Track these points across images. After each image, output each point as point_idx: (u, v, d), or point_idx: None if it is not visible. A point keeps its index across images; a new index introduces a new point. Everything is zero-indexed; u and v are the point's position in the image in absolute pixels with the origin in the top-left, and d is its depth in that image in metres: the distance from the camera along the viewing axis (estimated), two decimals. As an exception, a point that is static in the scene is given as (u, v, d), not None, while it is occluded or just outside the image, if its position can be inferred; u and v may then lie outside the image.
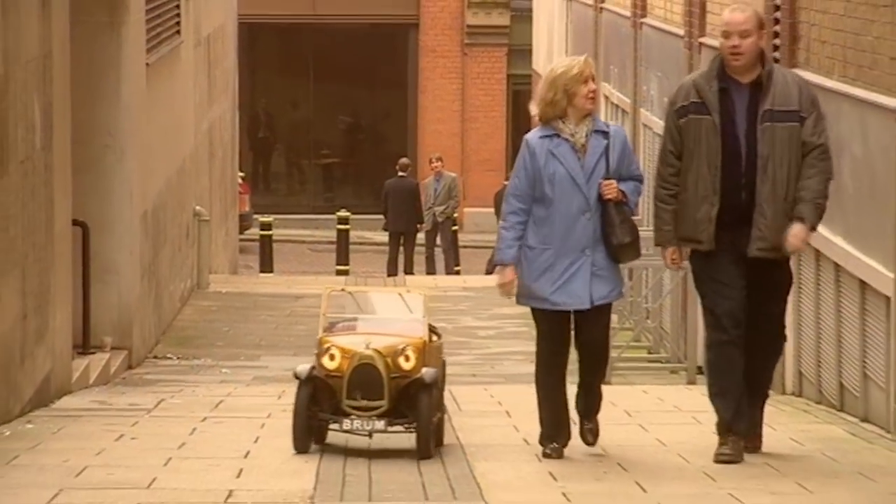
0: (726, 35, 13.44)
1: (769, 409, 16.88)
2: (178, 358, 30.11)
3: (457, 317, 39.87)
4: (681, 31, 34.07)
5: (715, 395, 14.03)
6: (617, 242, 13.67)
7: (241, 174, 57.54)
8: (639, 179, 14.21)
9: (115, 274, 26.92)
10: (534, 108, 14.14)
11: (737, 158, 13.31)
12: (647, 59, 40.50)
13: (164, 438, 18.49)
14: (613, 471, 14.94)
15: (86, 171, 24.82)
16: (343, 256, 59.95)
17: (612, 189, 13.49)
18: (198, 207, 36.04)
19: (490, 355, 33.90)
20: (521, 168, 14.05)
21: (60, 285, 21.99)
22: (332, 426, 11.98)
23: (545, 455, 14.66)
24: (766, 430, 16.07)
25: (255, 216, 61.52)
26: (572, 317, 14.08)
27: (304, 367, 12.14)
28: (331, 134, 70.92)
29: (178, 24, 33.86)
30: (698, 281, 13.82)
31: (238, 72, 48.29)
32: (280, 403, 19.21)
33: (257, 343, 24.99)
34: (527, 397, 16.63)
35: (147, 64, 28.87)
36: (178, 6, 34.04)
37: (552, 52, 56.10)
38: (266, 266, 58.44)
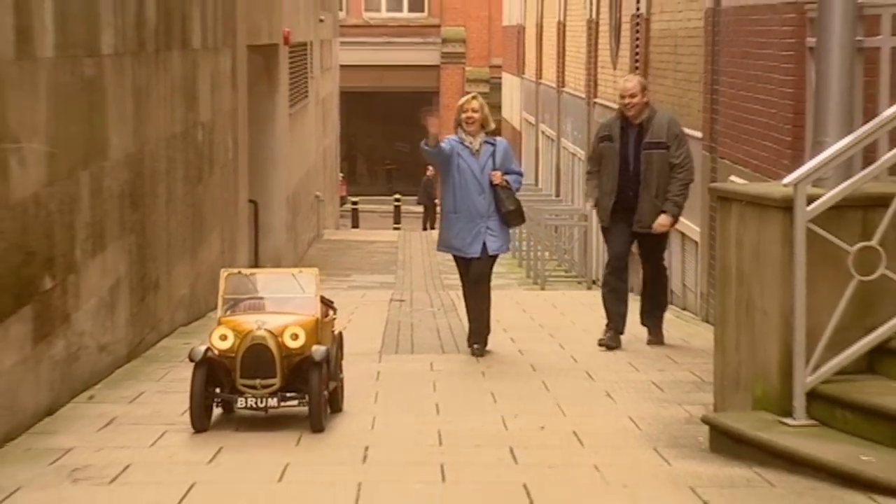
0: (622, 96, 15.15)
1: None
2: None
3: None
4: (583, 95, 37.29)
5: (605, 300, 15.71)
6: (504, 210, 14.86)
7: (340, 174, 64.60)
8: (518, 173, 15.70)
9: (271, 230, 29.76)
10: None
11: (628, 170, 14.86)
12: (564, 110, 45.67)
13: None
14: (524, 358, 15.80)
15: (256, 173, 26.78)
16: (396, 220, 67.74)
17: (496, 177, 14.73)
18: (317, 193, 37.65)
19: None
20: (447, 158, 15.18)
21: (241, 235, 24.82)
22: (222, 400, 10.33)
23: (472, 353, 15.76)
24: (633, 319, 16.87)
25: (349, 198, 67.32)
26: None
27: (199, 349, 10.30)
28: (389, 153, 76.58)
29: (307, 91, 38.35)
30: (605, 237, 15.78)
31: (339, 118, 52.76)
32: (362, 301, 19.51)
33: (350, 267, 24.21)
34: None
35: (290, 114, 32.74)
36: (307, 82, 38.61)
37: (512, 106, 64.08)
38: (354, 225, 64.12)
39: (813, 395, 9.99)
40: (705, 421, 10.80)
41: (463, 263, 15.12)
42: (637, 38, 25.53)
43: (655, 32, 24.56)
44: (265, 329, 9.73)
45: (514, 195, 15.06)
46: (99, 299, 13.39)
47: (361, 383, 13.66)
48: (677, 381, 13.72)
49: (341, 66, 48.12)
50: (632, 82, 15.28)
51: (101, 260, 13.51)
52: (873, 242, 9.88)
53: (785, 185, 10.20)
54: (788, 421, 10.02)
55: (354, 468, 9.95)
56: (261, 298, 10.51)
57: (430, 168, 52.44)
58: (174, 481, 9.41)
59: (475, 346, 15.49)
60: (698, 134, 20.19)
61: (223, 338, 9.58)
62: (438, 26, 61.31)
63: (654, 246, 15.50)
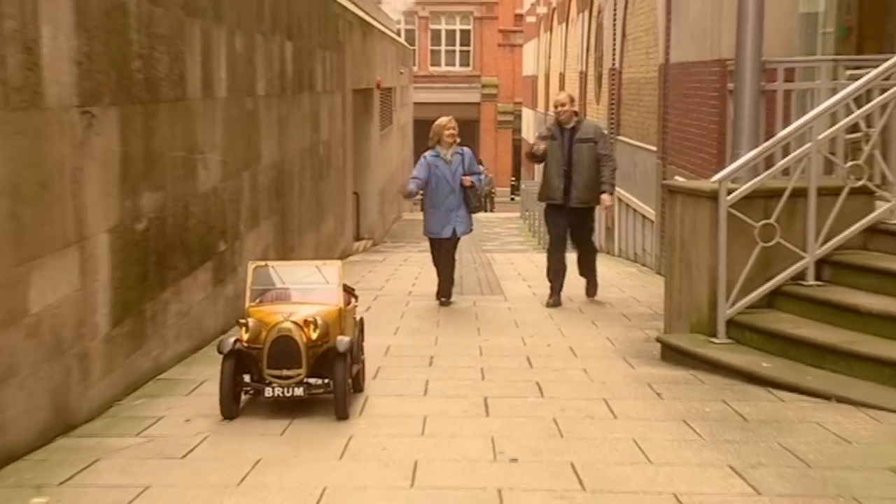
0: (555, 106, 13.83)
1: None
2: (391, 243, 28.47)
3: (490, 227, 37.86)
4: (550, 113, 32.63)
5: (548, 272, 14.37)
6: (471, 207, 13.93)
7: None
8: (478, 174, 14.40)
9: (368, 212, 28.01)
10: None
11: (565, 161, 13.47)
12: (544, 122, 40.79)
13: (388, 267, 20.30)
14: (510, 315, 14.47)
15: (358, 174, 25.49)
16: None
17: (466, 180, 13.64)
18: (398, 188, 34.23)
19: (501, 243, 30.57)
20: (423, 167, 13.91)
21: (348, 216, 23.63)
22: (252, 390, 8.16)
23: (440, 304, 14.50)
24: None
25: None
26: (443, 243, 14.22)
27: (227, 341, 8.23)
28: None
29: (391, 120, 35.31)
30: (546, 219, 14.48)
31: (412, 138, 48.88)
32: (426, 267, 16.70)
33: (420, 237, 18.29)
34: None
35: (380, 135, 30.16)
36: (391, 114, 35.50)
37: (529, 130, 56.38)
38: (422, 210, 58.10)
39: (730, 323, 10.14)
40: (658, 340, 10.93)
41: (437, 242, 14.15)
42: (613, 84, 25.04)
43: (625, 80, 23.99)
44: (291, 321, 7.86)
45: (478, 192, 14.11)
46: (256, 257, 12.86)
47: (428, 314, 13.71)
48: (639, 314, 13.70)
49: (414, 102, 47.22)
50: (562, 96, 14.01)
51: (256, 232, 13.49)
52: (771, 220, 9.97)
53: (712, 183, 10.33)
54: (714, 340, 10.16)
55: (423, 372, 9.99)
56: (286, 289, 8.61)
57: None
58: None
59: (443, 298, 14.45)
60: (654, 148, 19.74)
61: (250, 330, 7.79)
62: (479, 76, 60.45)
63: (584, 226, 14.10)
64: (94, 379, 8.08)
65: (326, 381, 7.96)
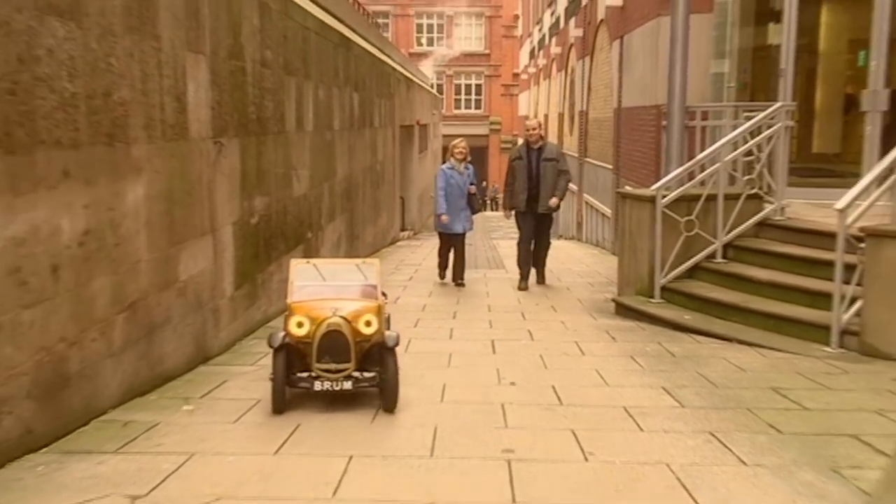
0: (526, 130, 12.40)
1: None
2: (426, 234, 24.66)
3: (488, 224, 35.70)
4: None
5: (518, 264, 12.93)
6: (473, 209, 12.64)
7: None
8: (477, 184, 12.98)
9: (410, 211, 26.04)
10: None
11: (532, 176, 12.16)
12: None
13: (424, 250, 18.63)
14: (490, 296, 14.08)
15: (404, 184, 24.23)
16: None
17: (471, 189, 12.49)
18: (432, 194, 33.49)
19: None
20: (442, 179, 12.51)
21: (396, 214, 22.93)
22: (302, 385, 6.43)
23: (457, 286, 13.05)
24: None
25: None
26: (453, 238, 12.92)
27: (278, 335, 6.56)
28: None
29: (427, 147, 32.72)
30: (517, 221, 12.64)
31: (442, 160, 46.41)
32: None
33: None
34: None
35: (419, 157, 28.80)
36: (427, 142, 33.05)
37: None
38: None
39: (663, 288, 10.13)
40: (613, 300, 10.85)
41: (447, 237, 12.83)
42: (582, 122, 24.49)
43: (591, 119, 23.38)
44: (339, 316, 6.27)
45: (478, 199, 12.79)
46: (332, 243, 13.25)
47: (452, 282, 13.26)
48: (600, 283, 13.52)
49: (443, 134, 45.70)
50: (533, 122, 12.59)
51: (333, 224, 13.38)
52: (692, 217, 10.01)
53: (651, 190, 10.29)
54: (652, 300, 10.15)
55: (448, 322, 9.99)
56: (328, 285, 6.87)
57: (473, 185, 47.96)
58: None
59: (459, 281, 12.99)
60: (610, 166, 19.15)
61: (300, 325, 6.25)
62: (488, 116, 59.34)
63: (546, 226, 12.70)
64: (223, 326, 8.17)
65: (372, 374, 6.29)
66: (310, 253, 11.67)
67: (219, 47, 7.98)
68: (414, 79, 28.54)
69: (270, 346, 6.28)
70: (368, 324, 6.35)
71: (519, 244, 12.82)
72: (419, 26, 59.07)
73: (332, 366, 6.22)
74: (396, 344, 6.40)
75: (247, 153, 8.84)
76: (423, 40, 59.05)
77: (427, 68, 50.88)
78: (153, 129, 6.55)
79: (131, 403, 6.15)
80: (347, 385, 6.25)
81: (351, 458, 5.02)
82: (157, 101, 6.63)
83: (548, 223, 12.86)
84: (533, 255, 13.02)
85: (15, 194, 4.83)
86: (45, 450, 5.09)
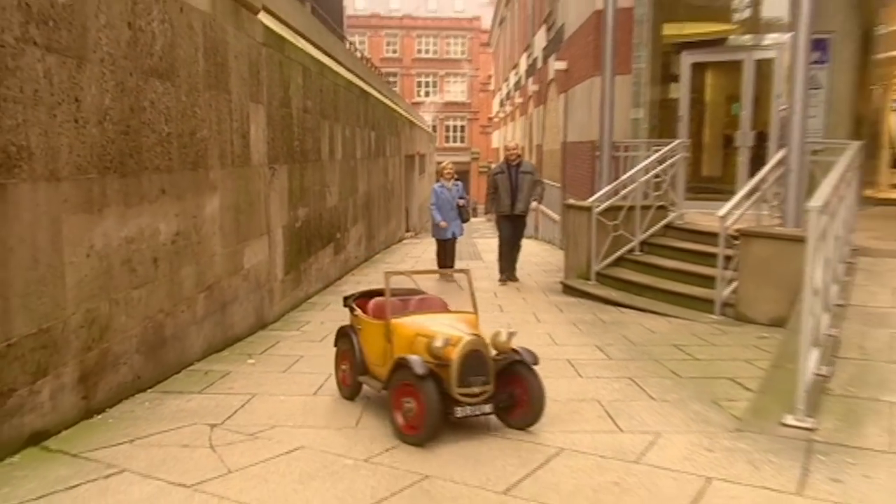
0: (506, 150, 11.21)
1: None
2: (424, 234, 22.53)
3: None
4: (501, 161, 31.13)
5: (500, 261, 11.47)
6: (463, 218, 11.61)
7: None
8: (464, 196, 11.82)
9: (412, 217, 24.06)
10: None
11: (512, 187, 10.89)
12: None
13: (424, 245, 17.34)
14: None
15: (408, 198, 22.96)
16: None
17: (461, 202, 11.59)
18: (428, 206, 29.16)
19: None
20: (434, 196, 11.58)
21: (402, 220, 21.54)
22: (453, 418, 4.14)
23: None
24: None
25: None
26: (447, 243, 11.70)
27: (417, 361, 4.13)
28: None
29: (424, 169, 29.31)
30: (498, 225, 11.35)
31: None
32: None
33: None
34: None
35: (419, 178, 27.00)
36: (425, 166, 30.70)
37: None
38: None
39: (597, 274, 10.02)
40: (561, 283, 10.69)
41: (442, 243, 11.67)
42: (539, 153, 24.06)
43: (545, 151, 22.64)
44: (474, 335, 4.30)
45: (467, 209, 11.71)
46: (355, 241, 13.15)
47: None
48: (552, 270, 13.17)
49: (436, 161, 45.51)
50: (513, 143, 11.51)
51: (356, 228, 13.28)
52: (618, 222, 9.93)
53: (588, 203, 10.26)
54: (589, 282, 10.04)
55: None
56: (424, 297, 5.10)
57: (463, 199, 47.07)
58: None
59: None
60: (559, 185, 18.49)
61: (446, 343, 4.19)
62: (469, 148, 58.81)
63: (520, 230, 11.44)
64: (276, 301, 8.18)
65: (507, 394, 4.38)
66: (339, 248, 11.63)
67: (273, 99, 8.02)
68: (415, 121, 28.29)
69: (417, 375, 4.11)
70: (509, 339, 4.48)
71: (500, 245, 11.69)
72: (419, 83, 58.93)
73: (474, 389, 4.24)
74: (535, 360, 4.47)
75: (293, 175, 8.87)
76: (422, 93, 58.82)
77: (425, 113, 50.56)
78: (225, 158, 6.62)
79: (210, 358, 6.21)
80: (487, 408, 4.31)
81: (368, 399, 5.04)
82: (228, 138, 6.70)
83: (522, 227, 11.73)
84: (504, 256, 12.08)
85: (127, 206, 4.96)
86: (150, 391, 5.17)
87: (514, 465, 3.91)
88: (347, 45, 16.25)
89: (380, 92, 18.00)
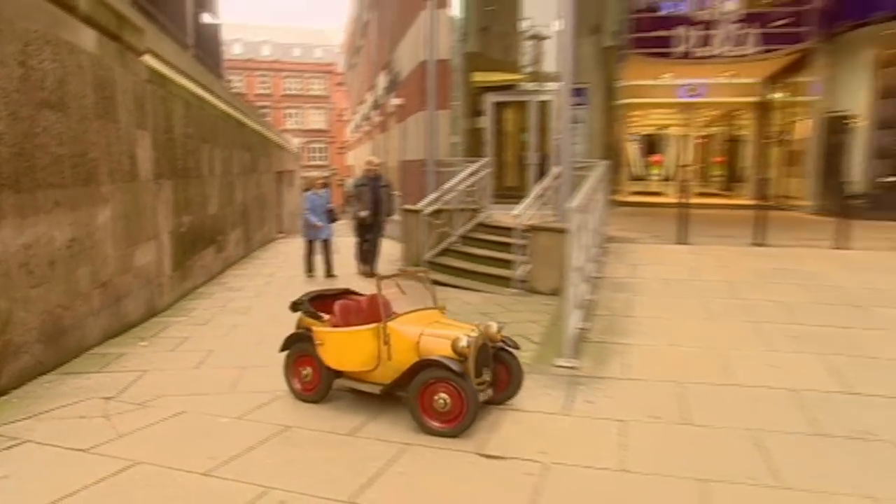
0: (370, 164, 9.94)
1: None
2: (296, 236, 20.23)
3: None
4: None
5: (363, 258, 10.17)
6: (332, 220, 10.41)
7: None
8: (329, 202, 10.48)
9: (283, 222, 22.01)
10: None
11: (374, 198, 9.75)
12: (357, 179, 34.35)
13: (294, 245, 17.09)
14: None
15: (279, 206, 21.31)
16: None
17: (330, 207, 10.40)
18: (300, 212, 23.88)
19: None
20: (307, 202, 10.21)
21: (274, 224, 20.01)
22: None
23: (327, 275, 10.17)
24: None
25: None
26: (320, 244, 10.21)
27: (450, 360, 3.57)
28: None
29: (293, 183, 24.48)
30: (358, 231, 10.15)
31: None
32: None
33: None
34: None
35: (288, 190, 23.96)
36: (293, 179, 24.72)
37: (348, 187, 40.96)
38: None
39: (428, 261, 9.84)
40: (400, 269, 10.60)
41: (314, 242, 10.12)
42: (383, 169, 24.19)
43: (388, 167, 21.67)
44: (478, 331, 3.86)
45: (334, 215, 10.40)
46: (235, 242, 12.52)
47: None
48: (393, 260, 12.20)
49: (301, 176, 43.58)
50: (375, 159, 10.15)
51: (235, 231, 12.65)
52: (442, 221, 9.94)
53: (419, 206, 10.19)
54: (420, 268, 9.85)
55: (310, 285, 9.40)
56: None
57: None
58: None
59: (312, 273, 10.18)
60: (399, 193, 17.33)
61: (469, 341, 3.69)
62: (328, 165, 57.38)
63: (379, 232, 10.25)
64: (166, 293, 7.72)
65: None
66: (220, 248, 11.01)
67: (157, 126, 7.54)
68: (283, 144, 27.08)
69: (455, 373, 3.59)
70: (500, 331, 4.03)
71: (361, 244, 10.64)
72: (287, 114, 57.20)
73: (484, 377, 3.84)
74: (515, 345, 4.14)
75: (177, 189, 8.39)
76: (291, 122, 57.10)
77: (294, 138, 48.80)
78: (115, 175, 6.18)
79: (108, 342, 5.81)
80: (490, 392, 3.93)
81: (245, 367, 4.90)
82: (117, 159, 6.26)
83: (380, 232, 10.91)
84: (367, 254, 11.02)
85: (23, 217, 4.57)
86: (51, 373, 4.79)
87: (359, 416, 3.92)
88: (225, 83, 15.42)
89: (254, 121, 17.19)
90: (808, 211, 12.11)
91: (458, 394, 3.63)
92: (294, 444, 3.45)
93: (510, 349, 4.11)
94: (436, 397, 3.66)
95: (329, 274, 10.28)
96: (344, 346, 4.00)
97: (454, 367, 3.63)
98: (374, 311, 4.21)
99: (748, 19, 12.59)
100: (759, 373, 4.31)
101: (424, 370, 3.69)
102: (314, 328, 4.19)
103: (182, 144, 8.71)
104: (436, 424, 3.63)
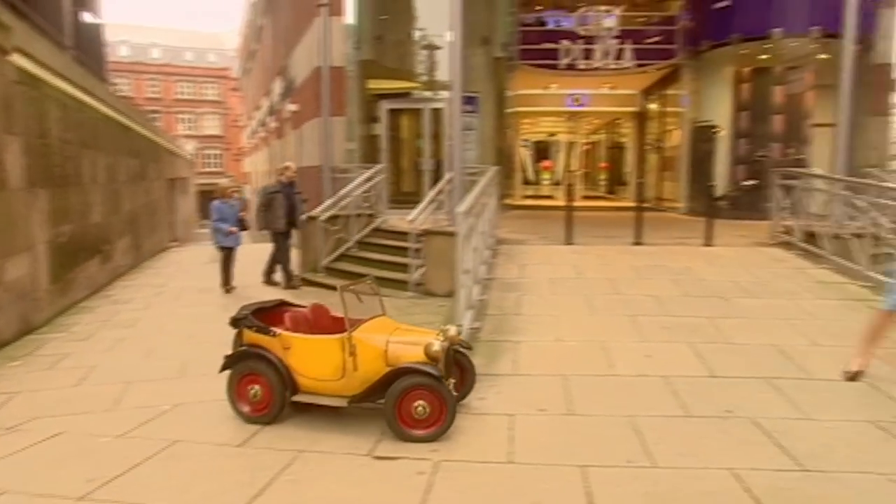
0: (286, 170, 9.36)
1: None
2: (191, 244, 19.99)
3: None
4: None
5: (283, 264, 9.51)
6: (242, 228, 9.44)
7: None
8: (240, 212, 9.63)
9: (177, 229, 21.61)
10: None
11: (289, 205, 9.13)
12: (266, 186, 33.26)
13: (190, 252, 17.03)
14: None
15: (171, 213, 20.61)
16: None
17: (242, 215, 9.60)
18: (203, 221, 25.02)
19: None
20: (216, 212, 9.11)
21: (167, 231, 19.03)
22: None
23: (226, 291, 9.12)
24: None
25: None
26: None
27: (428, 366, 3.54)
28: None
29: (187, 191, 24.42)
30: (275, 239, 9.45)
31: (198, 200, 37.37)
32: (209, 254, 13.15)
33: (206, 241, 15.46)
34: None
35: (182, 197, 23.61)
36: (187, 188, 25.20)
37: (246, 194, 35.26)
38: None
39: (325, 267, 9.75)
40: (300, 276, 9.98)
41: (227, 249, 9.03)
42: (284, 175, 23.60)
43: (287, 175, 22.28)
44: (443, 335, 3.73)
45: (245, 224, 9.52)
46: (122, 251, 11.77)
47: (212, 267, 11.58)
48: (295, 266, 12.05)
49: (196, 183, 40.48)
50: (292, 165, 9.45)
51: (123, 240, 11.92)
52: (338, 227, 9.81)
53: (316, 213, 9.94)
54: (319, 274, 9.74)
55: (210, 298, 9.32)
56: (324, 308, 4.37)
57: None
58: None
59: (227, 286, 9.13)
60: (305, 198, 18.38)
61: (436, 345, 3.64)
62: (224, 171, 55.46)
63: (289, 239, 9.62)
64: (43, 308, 7.15)
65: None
66: (106, 259, 10.36)
67: (30, 131, 6.94)
68: (175, 150, 25.86)
69: (434, 378, 3.54)
70: (459, 334, 3.92)
71: (276, 252, 9.76)
72: (181, 119, 54.33)
73: (452, 380, 3.78)
74: (470, 348, 4.16)
75: (55, 198, 7.77)
76: (183, 127, 54.16)
77: (187, 144, 46.59)
78: (-21, 184, 5.68)
79: (-27, 363, 5.31)
80: (455, 392, 3.82)
81: (130, 382, 4.61)
82: (-18, 166, 5.75)
83: (290, 237, 10.29)
84: (285, 261, 10.26)
85: None
86: None
87: (253, 426, 3.78)
88: (110, 86, 14.48)
89: (141, 125, 16.27)
90: (681, 212, 12.74)
91: (438, 398, 3.54)
92: (182, 459, 3.28)
93: (464, 350, 4.08)
94: (415, 404, 3.54)
95: (226, 285, 9.25)
96: (312, 353, 3.75)
97: (434, 372, 3.54)
98: (320, 322, 4.06)
99: (624, 36, 13.23)
100: (636, 363, 4.49)
101: (402, 378, 3.55)
102: (282, 334, 3.85)
103: (60, 150, 8.10)
104: (418, 432, 3.51)
